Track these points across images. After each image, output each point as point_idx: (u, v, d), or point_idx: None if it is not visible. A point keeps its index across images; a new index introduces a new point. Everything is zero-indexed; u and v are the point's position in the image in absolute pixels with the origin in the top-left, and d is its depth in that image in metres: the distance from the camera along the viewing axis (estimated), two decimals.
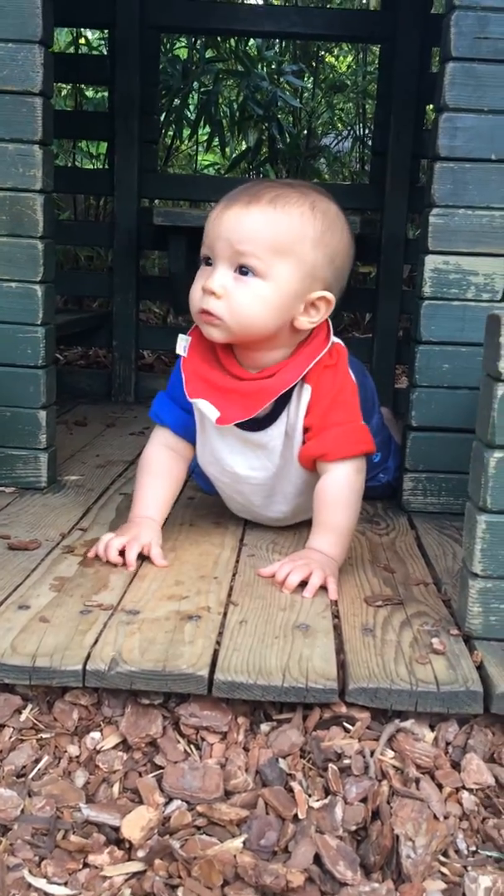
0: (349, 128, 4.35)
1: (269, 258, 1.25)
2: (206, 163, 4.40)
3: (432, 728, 0.98)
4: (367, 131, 4.48)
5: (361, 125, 4.33)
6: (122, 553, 1.31)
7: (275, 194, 1.27)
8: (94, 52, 3.64)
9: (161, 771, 0.94)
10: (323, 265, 1.30)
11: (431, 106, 3.20)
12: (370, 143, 4.47)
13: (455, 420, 1.64)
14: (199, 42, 3.44)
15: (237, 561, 1.37)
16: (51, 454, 1.72)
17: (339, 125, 4.40)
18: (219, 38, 3.44)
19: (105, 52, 3.40)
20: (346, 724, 0.97)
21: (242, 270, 1.26)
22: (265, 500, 1.47)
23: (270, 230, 1.25)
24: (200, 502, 1.64)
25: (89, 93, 3.72)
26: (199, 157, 4.27)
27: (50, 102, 1.60)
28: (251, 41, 3.54)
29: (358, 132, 4.41)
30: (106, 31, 3.07)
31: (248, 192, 1.28)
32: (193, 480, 1.67)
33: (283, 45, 3.95)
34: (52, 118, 1.60)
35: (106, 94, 3.57)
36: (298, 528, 1.54)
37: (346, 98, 4.33)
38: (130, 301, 2.80)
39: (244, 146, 3.86)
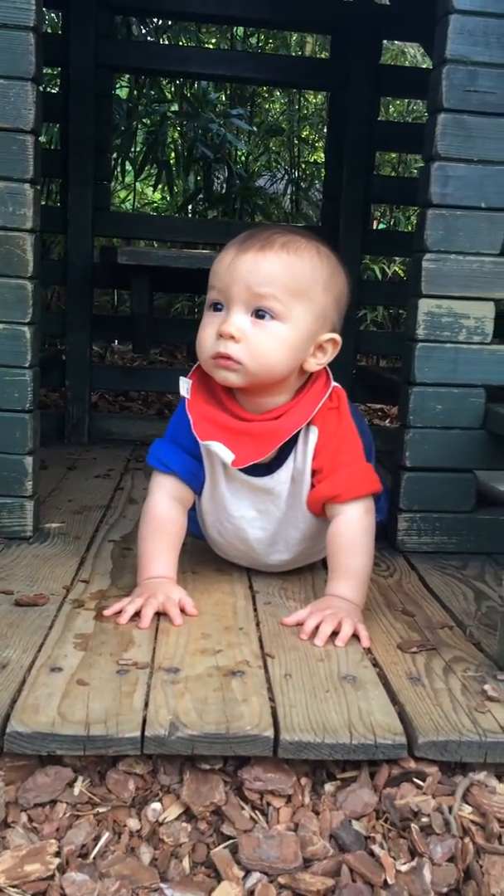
0: (285, 170, 4.43)
1: (288, 301, 1.25)
2: (144, 201, 4.40)
3: (499, 778, 0.97)
4: (299, 174, 4.58)
5: (296, 169, 4.42)
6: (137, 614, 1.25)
7: (286, 239, 1.28)
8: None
9: (230, 841, 0.89)
10: (331, 307, 1.32)
11: (380, 153, 3.31)
12: (301, 185, 4.58)
13: (448, 460, 1.66)
14: (142, 82, 3.44)
15: (255, 610, 1.33)
16: (36, 502, 1.64)
17: (274, 167, 4.47)
18: (162, 80, 3.45)
19: (45, 88, 3.36)
20: (415, 779, 0.94)
21: (259, 314, 1.25)
22: (267, 547, 1.44)
23: (288, 273, 1.25)
24: (194, 548, 1.59)
25: None
26: (137, 196, 4.26)
27: (40, 141, 1.55)
28: (195, 83, 3.57)
29: (291, 175, 4.51)
30: (58, 68, 3.02)
31: (258, 237, 1.28)
32: None
33: (218, 86, 4.01)
34: (40, 156, 1.56)
35: (46, 128, 3.53)
36: (301, 571, 1.52)
37: (280, 141, 4.41)
38: (84, 341, 2.74)
39: (184, 186, 3.88)
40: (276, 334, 1.25)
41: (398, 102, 4.16)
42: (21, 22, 1.47)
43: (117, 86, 3.67)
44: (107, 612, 1.26)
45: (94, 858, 0.86)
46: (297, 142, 4.40)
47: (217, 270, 1.29)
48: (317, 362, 1.33)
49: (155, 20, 3.49)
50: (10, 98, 1.48)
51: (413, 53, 4.07)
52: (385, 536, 1.73)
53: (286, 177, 4.46)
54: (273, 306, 1.25)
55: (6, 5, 1.46)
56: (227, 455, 1.30)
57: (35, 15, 1.47)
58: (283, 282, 1.25)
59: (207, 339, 1.28)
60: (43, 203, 3.58)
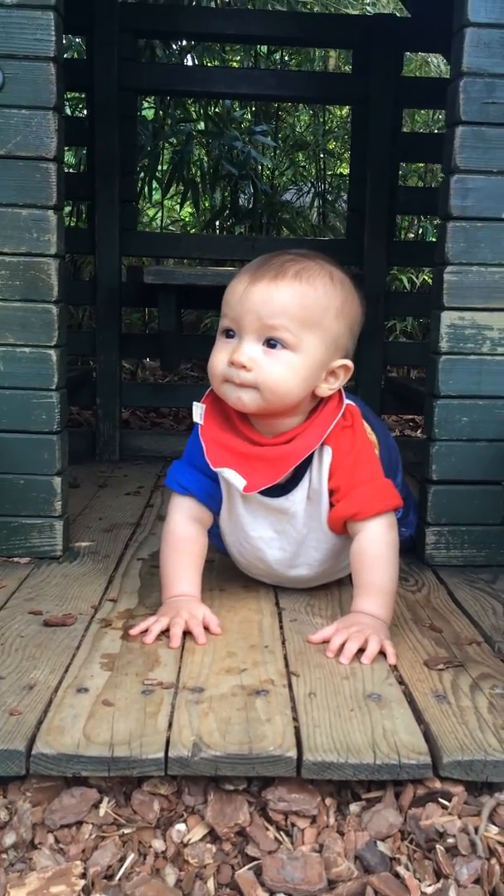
0: (310, 184, 4.45)
1: (299, 331, 1.26)
2: (170, 220, 4.44)
3: None
4: (325, 186, 4.59)
5: (322, 182, 4.43)
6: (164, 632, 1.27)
7: (299, 267, 1.28)
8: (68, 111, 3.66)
9: (255, 862, 0.89)
10: (344, 334, 1.32)
11: (405, 164, 3.30)
12: (328, 197, 4.59)
13: (475, 472, 1.65)
14: (167, 102, 3.48)
15: (281, 627, 1.33)
16: (65, 522, 1.67)
17: (300, 180, 4.49)
18: (186, 100, 3.49)
19: (72, 112, 3.42)
20: (441, 799, 0.94)
21: (271, 343, 1.26)
22: (288, 568, 1.44)
23: (299, 304, 1.26)
24: (222, 565, 1.60)
25: None
26: (167, 213, 4.30)
27: (63, 167, 1.58)
28: (219, 102, 3.61)
29: (318, 188, 4.52)
30: (84, 93, 3.07)
31: (271, 266, 1.28)
32: (210, 541, 1.64)
33: (243, 103, 4.04)
34: (63, 183, 1.59)
35: (74, 152, 3.59)
36: (328, 587, 1.52)
37: (306, 155, 4.43)
38: (114, 359, 2.77)
39: (211, 203, 3.91)
40: (288, 363, 1.26)
41: (423, 112, 4.16)
42: (41, 53, 1.50)
43: (144, 107, 3.73)
44: (133, 632, 1.27)
45: (119, 880, 0.87)
46: (322, 155, 4.42)
47: (229, 299, 1.30)
48: (329, 388, 1.33)
49: (180, 41, 3.54)
50: (32, 127, 1.52)
51: (437, 63, 4.07)
52: (414, 550, 1.72)
53: (312, 190, 4.47)
54: (284, 337, 1.25)
55: (27, 37, 1.49)
56: (239, 482, 1.31)
57: (55, 45, 1.50)
58: (295, 313, 1.25)
59: (219, 364, 1.30)
60: (73, 225, 3.66)
